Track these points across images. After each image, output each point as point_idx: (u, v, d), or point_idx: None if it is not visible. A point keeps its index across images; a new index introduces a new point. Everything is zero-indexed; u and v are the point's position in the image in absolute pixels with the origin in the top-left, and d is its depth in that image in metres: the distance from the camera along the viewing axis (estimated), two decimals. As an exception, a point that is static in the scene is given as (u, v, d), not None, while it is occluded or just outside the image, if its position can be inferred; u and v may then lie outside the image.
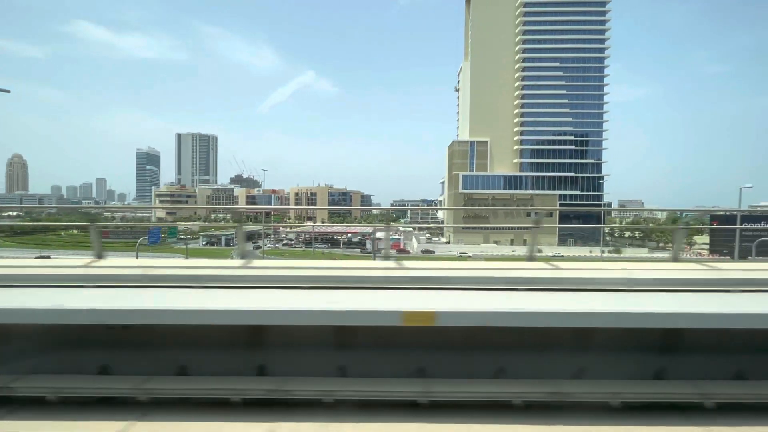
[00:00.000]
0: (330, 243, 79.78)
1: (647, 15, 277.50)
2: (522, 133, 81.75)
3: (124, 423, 2.84)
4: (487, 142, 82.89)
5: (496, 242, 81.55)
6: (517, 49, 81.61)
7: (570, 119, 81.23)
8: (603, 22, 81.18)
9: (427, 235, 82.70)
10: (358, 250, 75.16)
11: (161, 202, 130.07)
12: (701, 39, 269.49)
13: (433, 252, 71.90)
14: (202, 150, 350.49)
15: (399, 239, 76.96)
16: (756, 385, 3.15)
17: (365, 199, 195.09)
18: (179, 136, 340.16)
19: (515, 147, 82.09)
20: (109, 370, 3.37)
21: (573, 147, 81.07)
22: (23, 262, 4.43)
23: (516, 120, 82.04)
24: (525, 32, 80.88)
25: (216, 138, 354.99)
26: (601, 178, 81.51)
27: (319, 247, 70.00)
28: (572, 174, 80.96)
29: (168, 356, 3.38)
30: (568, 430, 2.83)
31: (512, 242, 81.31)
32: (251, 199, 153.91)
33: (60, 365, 3.30)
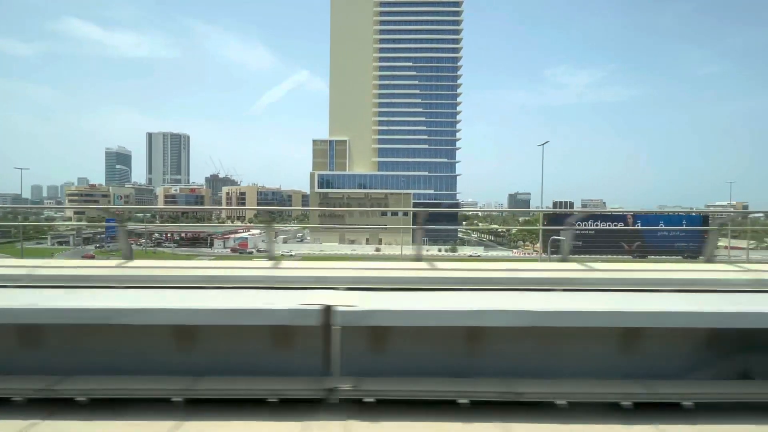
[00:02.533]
0: (193, 242, 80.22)
1: (642, 16, 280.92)
2: (379, 133, 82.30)
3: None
4: (346, 141, 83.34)
5: (351, 241, 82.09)
6: (373, 49, 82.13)
7: (424, 119, 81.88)
8: (457, 23, 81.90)
9: (299, 236, 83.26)
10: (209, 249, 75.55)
11: (70, 201, 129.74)
12: (694, 39, 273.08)
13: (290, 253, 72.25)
14: (174, 149, 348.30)
15: (246, 238, 77.36)
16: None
17: (305, 199, 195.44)
18: (150, 135, 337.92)
19: (372, 146, 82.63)
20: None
21: (427, 146, 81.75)
22: None
23: (373, 119, 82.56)
24: (381, 32, 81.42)
25: (188, 137, 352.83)
26: (455, 177, 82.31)
27: (150, 247, 70.14)
28: (426, 173, 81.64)
29: None
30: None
31: (368, 241, 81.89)
32: (171, 199, 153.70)
33: None
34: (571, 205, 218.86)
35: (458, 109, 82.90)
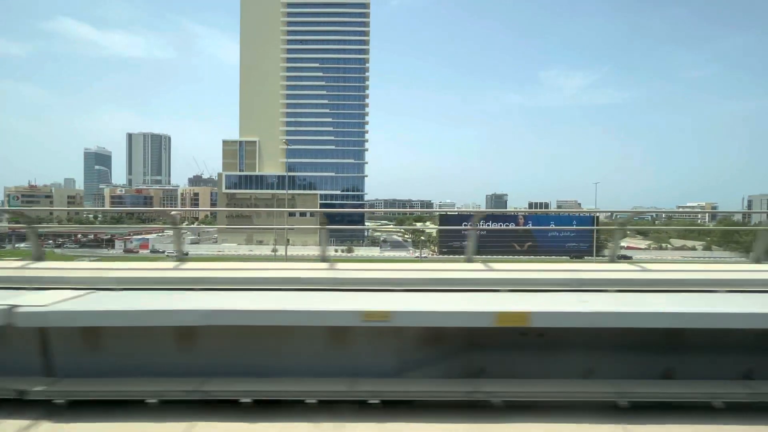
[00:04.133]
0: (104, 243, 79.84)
1: (634, 19, 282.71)
2: (287, 134, 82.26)
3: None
4: (256, 142, 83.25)
5: (259, 242, 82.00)
6: (281, 50, 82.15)
7: (331, 119, 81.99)
8: (365, 24, 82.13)
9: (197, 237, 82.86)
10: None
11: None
12: (685, 43, 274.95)
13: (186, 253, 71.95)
14: (154, 150, 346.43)
15: (147, 239, 77.07)
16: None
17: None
18: (130, 136, 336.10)
19: (280, 147, 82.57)
20: None
21: (334, 147, 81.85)
22: None
23: (281, 120, 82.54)
24: (289, 33, 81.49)
25: (169, 138, 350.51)
26: (363, 177, 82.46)
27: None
28: (333, 174, 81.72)
29: None
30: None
31: (275, 242, 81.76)
32: (117, 200, 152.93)
33: None
34: (547, 205, 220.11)
35: (366, 110, 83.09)
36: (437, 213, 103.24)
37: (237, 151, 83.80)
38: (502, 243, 72.06)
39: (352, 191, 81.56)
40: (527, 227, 70.88)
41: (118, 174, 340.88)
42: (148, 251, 72.82)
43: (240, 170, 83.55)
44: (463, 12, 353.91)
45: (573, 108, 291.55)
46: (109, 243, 77.25)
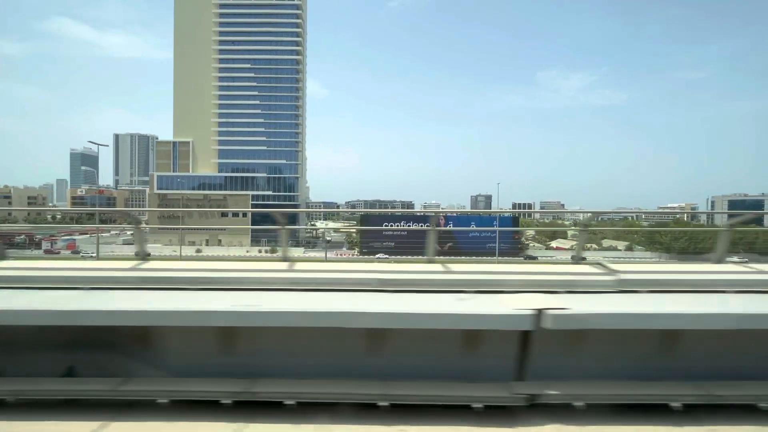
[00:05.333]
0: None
1: (632, 21, 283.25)
2: (219, 134, 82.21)
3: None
4: (189, 142, 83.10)
5: (191, 242, 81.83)
6: (213, 50, 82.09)
7: (262, 120, 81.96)
8: (297, 25, 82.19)
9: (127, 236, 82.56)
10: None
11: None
12: (682, 44, 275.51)
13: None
14: (142, 151, 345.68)
15: (74, 240, 76.79)
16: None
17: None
18: (117, 137, 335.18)
19: (212, 147, 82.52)
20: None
21: (266, 148, 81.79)
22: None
23: (213, 120, 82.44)
24: (221, 33, 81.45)
25: (156, 138, 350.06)
26: (295, 179, 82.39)
27: None
28: (265, 174, 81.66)
29: None
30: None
31: (207, 243, 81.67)
32: (79, 201, 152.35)
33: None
34: (530, 206, 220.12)
35: (300, 111, 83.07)
36: (361, 212, 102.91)
37: (171, 152, 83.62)
38: (423, 243, 72.00)
39: (285, 191, 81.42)
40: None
41: (107, 174, 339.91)
42: (76, 251, 72.54)
43: (174, 171, 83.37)
44: (462, 13, 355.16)
45: (571, 109, 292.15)
46: (38, 244, 76.86)
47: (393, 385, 3.08)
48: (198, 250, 73.56)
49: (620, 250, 75.80)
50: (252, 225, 74.57)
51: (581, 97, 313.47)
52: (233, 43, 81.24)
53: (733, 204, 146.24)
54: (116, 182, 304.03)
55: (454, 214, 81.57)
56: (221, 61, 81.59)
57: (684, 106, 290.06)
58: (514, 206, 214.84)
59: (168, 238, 79.56)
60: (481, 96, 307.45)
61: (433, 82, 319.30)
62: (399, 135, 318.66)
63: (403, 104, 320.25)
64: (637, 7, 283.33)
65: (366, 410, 2.98)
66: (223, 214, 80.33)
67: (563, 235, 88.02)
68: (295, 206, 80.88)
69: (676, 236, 67.73)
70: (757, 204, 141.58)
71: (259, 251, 74.03)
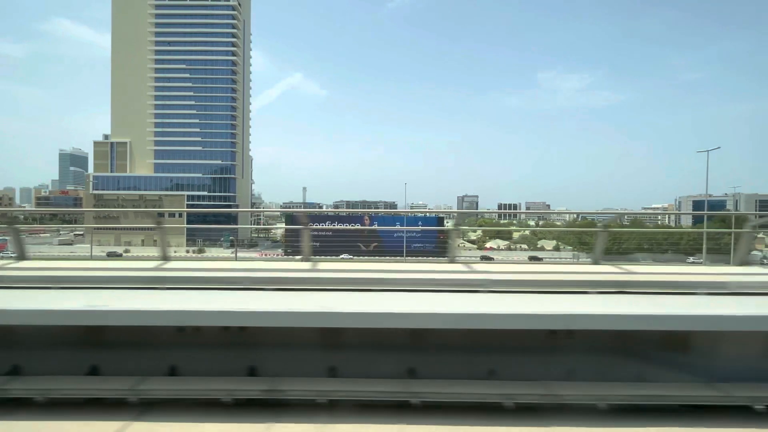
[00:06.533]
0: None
1: (629, 22, 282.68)
2: (155, 135, 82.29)
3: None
4: (127, 143, 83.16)
5: (127, 243, 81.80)
6: (149, 49, 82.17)
7: (198, 120, 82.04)
8: (233, 26, 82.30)
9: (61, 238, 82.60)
10: None
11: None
12: (680, 45, 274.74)
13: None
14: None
15: (6, 240, 76.76)
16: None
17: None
18: (107, 137, 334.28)
19: (148, 148, 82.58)
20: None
21: (201, 148, 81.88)
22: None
23: (149, 121, 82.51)
24: (157, 33, 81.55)
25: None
26: (232, 179, 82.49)
27: None
28: (200, 175, 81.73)
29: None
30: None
31: (143, 243, 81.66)
32: (43, 201, 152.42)
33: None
34: (516, 207, 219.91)
35: (236, 111, 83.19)
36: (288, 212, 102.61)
37: (108, 152, 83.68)
38: (349, 243, 72.10)
39: (221, 192, 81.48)
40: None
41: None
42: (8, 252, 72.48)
43: (111, 171, 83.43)
44: (460, 14, 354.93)
45: (570, 110, 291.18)
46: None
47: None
48: (126, 251, 73.52)
49: (548, 250, 75.86)
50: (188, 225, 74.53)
51: (580, 98, 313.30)
52: (169, 43, 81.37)
53: (698, 204, 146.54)
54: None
55: (380, 214, 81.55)
56: (157, 61, 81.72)
57: (682, 107, 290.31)
58: (499, 207, 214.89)
59: (103, 239, 79.67)
60: (480, 97, 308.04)
61: (432, 82, 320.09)
62: (398, 135, 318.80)
63: (403, 104, 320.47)
64: (635, 9, 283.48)
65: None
66: (159, 215, 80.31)
67: (507, 236, 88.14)
68: (230, 206, 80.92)
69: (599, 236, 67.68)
70: (720, 204, 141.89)
71: (186, 251, 74.13)
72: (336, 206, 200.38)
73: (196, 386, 3.06)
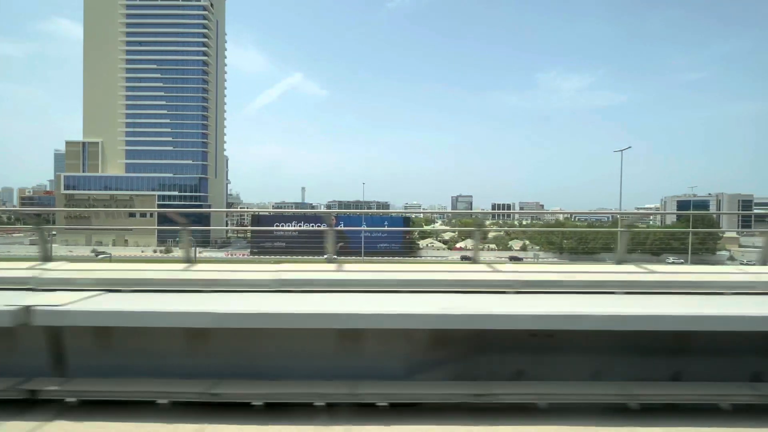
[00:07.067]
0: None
1: (630, 22, 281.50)
2: (126, 134, 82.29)
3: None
4: (98, 143, 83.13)
5: (98, 242, 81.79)
6: (120, 49, 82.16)
7: (168, 120, 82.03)
8: (204, 26, 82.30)
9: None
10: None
11: None
12: (682, 45, 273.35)
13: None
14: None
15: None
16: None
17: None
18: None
19: (119, 148, 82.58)
20: None
21: (171, 148, 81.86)
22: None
23: (120, 121, 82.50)
24: (128, 33, 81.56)
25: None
26: (204, 179, 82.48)
27: None
28: (170, 175, 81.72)
29: None
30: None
31: (114, 243, 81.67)
32: (27, 201, 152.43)
33: None
34: (510, 207, 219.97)
35: (207, 111, 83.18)
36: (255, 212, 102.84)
37: (80, 152, 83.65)
38: (314, 244, 72.00)
39: (191, 192, 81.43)
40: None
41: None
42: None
43: (83, 171, 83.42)
44: (460, 14, 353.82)
45: (569, 110, 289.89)
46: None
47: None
48: (93, 251, 73.46)
49: (516, 249, 75.83)
50: (159, 225, 74.56)
51: (581, 99, 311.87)
52: (140, 43, 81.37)
53: (682, 204, 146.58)
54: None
55: (346, 214, 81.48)
56: (128, 61, 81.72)
57: (683, 107, 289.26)
58: (493, 207, 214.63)
59: (75, 239, 79.60)
60: (479, 97, 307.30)
61: (432, 83, 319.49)
62: (397, 136, 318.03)
63: (402, 105, 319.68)
64: (636, 8, 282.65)
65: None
66: (131, 215, 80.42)
67: (482, 235, 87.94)
68: (200, 206, 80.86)
69: (567, 236, 67.93)
70: (703, 204, 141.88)
71: (154, 251, 74.11)
72: (328, 206, 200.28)
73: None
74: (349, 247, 69.89)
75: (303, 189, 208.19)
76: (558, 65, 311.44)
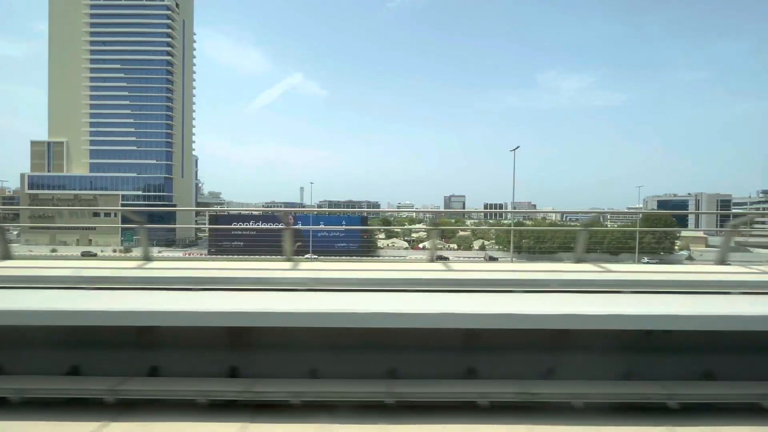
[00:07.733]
0: None
1: (631, 22, 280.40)
2: (90, 134, 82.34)
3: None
4: (63, 142, 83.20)
5: (63, 242, 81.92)
6: (84, 49, 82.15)
7: (132, 120, 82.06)
8: (168, 26, 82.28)
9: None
10: None
11: None
12: (682, 45, 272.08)
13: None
14: None
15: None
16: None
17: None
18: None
19: (83, 147, 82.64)
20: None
21: (135, 148, 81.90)
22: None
23: (85, 120, 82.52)
24: (92, 33, 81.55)
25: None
26: (168, 179, 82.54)
27: None
28: (134, 174, 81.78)
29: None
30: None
31: (78, 242, 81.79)
32: (8, 201, 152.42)
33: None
34: (502, 206, 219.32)
35: (172, 112, 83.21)
36: (217, 210, 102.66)
37: (45, 152, 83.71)
38: (274, 243, 71.90)
39: (155, 191, 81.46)
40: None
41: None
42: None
43: (48, 171, 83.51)
44: (460, 14, 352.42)
45: (570, 110, 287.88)
46: None
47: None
48: (53, 250, 73.54)
49: (476, 249, 75.82)
50: (123, 225, 74.69)
51: (581, 98, 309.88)
52: (104, 43, 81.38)
53: (662, 204, 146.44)
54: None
55: (303, 213, 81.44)
56: (93, 61, 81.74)
57: (684, 107, 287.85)
58: (485, 206, 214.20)
59: (32, 239, 79.65)
60: (479, 97, 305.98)
61: (432, 82, 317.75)
62: (397, 136, 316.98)
63: (401, 105, 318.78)
64: (637, 8, 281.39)
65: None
66: (95, 214, 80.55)
67: (450, 234, 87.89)
68: (165, 206, 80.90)
69: (524, 235, 67.93)
70: (683, 204, 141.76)
71: (114, 251, 74.20)
72: (319, 206, 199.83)
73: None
74: (306, 247, 70.11)
75: (302, 189, 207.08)
76: (558, 65, 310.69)
